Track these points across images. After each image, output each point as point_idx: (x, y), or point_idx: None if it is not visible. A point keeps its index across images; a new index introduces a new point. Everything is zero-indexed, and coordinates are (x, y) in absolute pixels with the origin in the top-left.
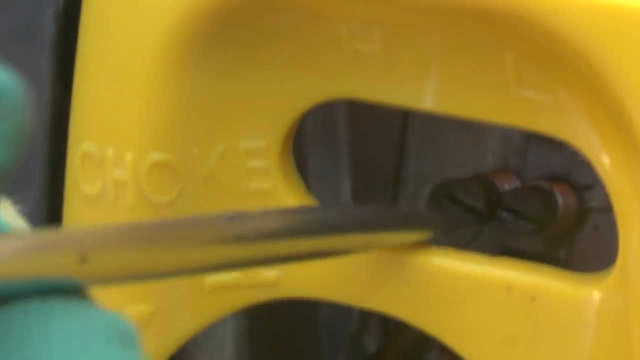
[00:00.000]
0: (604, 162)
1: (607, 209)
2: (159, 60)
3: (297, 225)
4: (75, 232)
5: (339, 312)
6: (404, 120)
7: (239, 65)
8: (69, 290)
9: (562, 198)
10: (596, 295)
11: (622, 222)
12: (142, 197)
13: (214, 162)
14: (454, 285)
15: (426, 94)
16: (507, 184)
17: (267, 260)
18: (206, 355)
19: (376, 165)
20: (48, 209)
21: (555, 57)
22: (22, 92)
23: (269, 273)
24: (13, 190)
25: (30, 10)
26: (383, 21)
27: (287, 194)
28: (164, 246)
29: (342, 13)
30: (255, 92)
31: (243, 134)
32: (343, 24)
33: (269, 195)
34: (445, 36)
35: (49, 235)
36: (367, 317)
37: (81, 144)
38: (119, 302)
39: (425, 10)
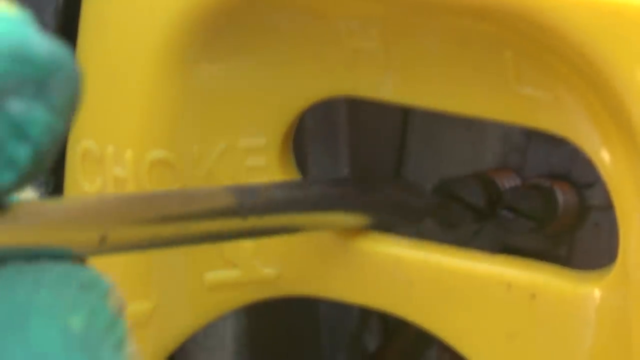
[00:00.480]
0: (604, 159)
1: (607, 207)
2: (159, 58)
3: (303, 198)
4: (96, 208)
5: (339, 310)
6: (403, 118)
7: (239, 63)
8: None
9: (563, 196)
10: (596, 293)
11: (623, 220)
12: None
13: (214, 160)
14: (455, 282)
15: (426, 92)
16: (508, 182)
17: (271, 230)
18: (206, 353)
19: (376, 164)
20: None
21: (555, 54)
22: (76, 66)
23: (268, 271)
24: None
25: (30, 9)
26: (382, 18)
27: None
28: (176, 218)
29: (341, 11)
30: (255, 90)
31: (243, 132)
32: (342, 21)
33: None
34: (445, 33)
35: (71, 212)
36: (367, 315)
37: (81, 141)
38: None
39: (424, 7)
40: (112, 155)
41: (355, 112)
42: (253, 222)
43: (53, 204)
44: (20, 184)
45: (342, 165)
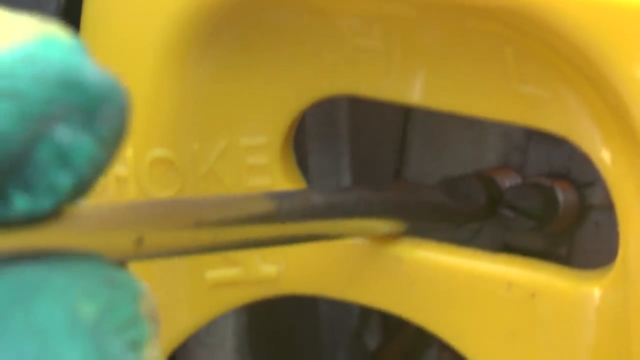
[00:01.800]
0: (604, 158)
1: (607, 206)
2: (160, 57)
3: (342, 203)
4: (132, 211)
5: (340, 308)
6: (404, 117)
7: (240, 62)
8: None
9: (563, 195)
10: (596, 292)
11: (623, 219)
12: (143, 193)
13: (214, 158)
14: (455, 281)
15: (426, 91)
16: (508, 181)
17: (310, 237)
18: (207, 351)
19: (377, 162)
20: None
21: (555, 52)
22: (125, 98)
23: (269, 269)
24: None
25: (31, 9)
26: (383, 17)
27: None
28: (212, 224)
29: (342, 9)
30: (256, 89)
31: (244, 131)
32: (343, 20)
33: None
34: (446, 31)
35: (107, 216)
36: (367, 314)
37: None
38: None
39: (425, 5)
40: None
41: (356, 111)
42: (291, 227)
43: (89, 209)
44: (58, 208)
45: (342, 164)
